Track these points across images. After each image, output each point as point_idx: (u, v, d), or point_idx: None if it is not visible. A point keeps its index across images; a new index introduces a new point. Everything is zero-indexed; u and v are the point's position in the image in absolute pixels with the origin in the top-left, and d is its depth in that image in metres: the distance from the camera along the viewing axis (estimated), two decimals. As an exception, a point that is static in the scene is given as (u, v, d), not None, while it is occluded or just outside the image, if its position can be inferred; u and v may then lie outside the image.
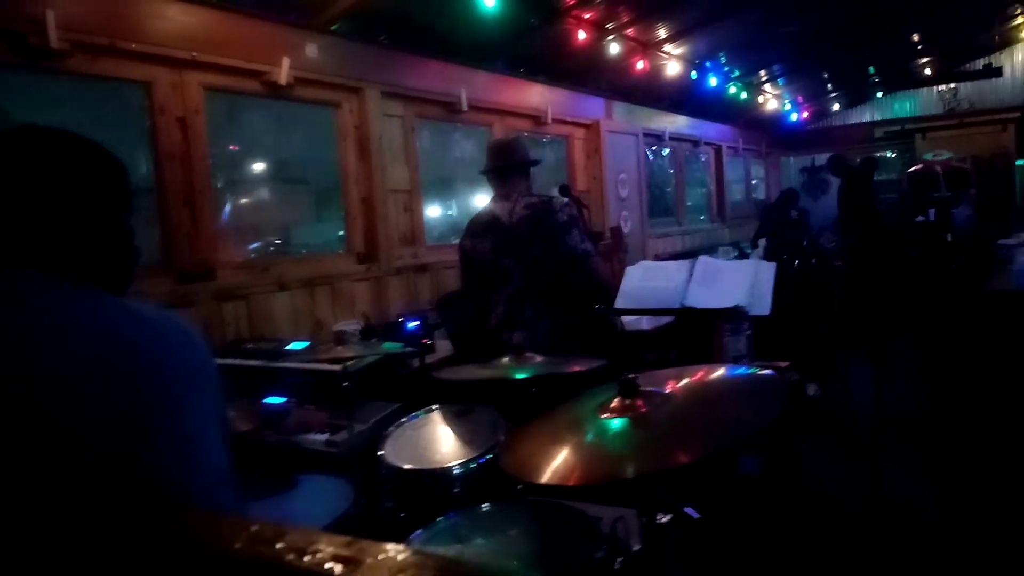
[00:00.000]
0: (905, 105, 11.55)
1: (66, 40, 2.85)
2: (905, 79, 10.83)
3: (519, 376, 2.07)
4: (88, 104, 3.22)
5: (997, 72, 10.30)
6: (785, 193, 8.97)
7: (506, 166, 2.99)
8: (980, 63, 10.44)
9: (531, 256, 2.81)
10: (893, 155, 11.52)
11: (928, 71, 10.51)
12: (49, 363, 0.87)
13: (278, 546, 0.48)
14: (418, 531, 1.61)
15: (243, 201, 4.02)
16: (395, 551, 0.46)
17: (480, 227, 2.97)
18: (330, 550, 0.46)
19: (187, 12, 3.32)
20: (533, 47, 5.52)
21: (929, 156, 9.74)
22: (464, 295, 3.08)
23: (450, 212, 5.55)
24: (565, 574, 1.40)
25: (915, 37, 8.91)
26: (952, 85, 10.99)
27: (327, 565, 0.45)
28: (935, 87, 11.10)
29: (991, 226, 7.19)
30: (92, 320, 0.93)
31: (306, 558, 0.47)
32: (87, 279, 0.99)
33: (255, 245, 4.00)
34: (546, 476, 1.31)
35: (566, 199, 3.26)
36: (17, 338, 0.88)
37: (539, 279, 2.81)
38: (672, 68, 6.89)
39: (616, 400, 1.45)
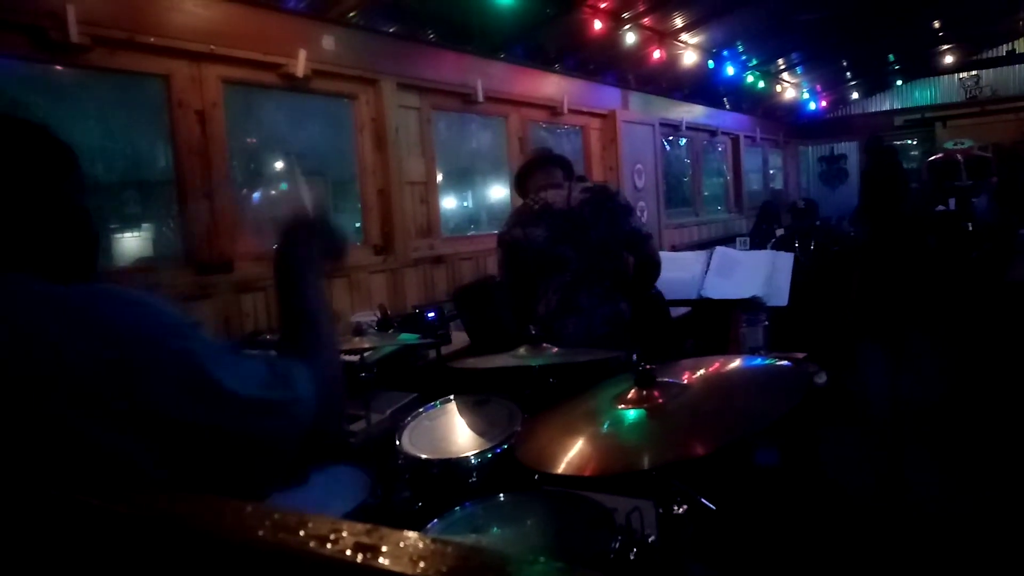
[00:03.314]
0: (925, 93, 11.39)
1: (86, 34, 2.88)
2: (925, 67, 10.68)
3: (535, 364, 2.08)
4: (108, 98, 3.25)
5: (1021, 58, 10.12)
6: (765, 205, 8.90)
7: (543, 159, 2.99)
8: (1003, 49, 10.27)
9: (594, 239, 2.75)
10: (914, 142, 11.38)
11: (949, 58, 10.35)
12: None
13: (300, 534, 0.50)
14: (435, 520, 1.62)
15: (260, 193, 4.05)
16: (415, 539, 0.47)
17: (531, 215, 2.87)
18: (351, 538, 0.47)
19: (204, 5, 3.34)
20: (549, 37, 5.50)
21: (950, 145, 9.61)
22: (508, 287, 2.97)
23: (466, 204, 5.56)
24: (581, 564, 1.41)
25: (936, 24, 8.77)
26: (974, 72, 10.82)
27: (348, 553, 0.46)
28: (956, 74, 10.93)
29: (1013, 216, 7.09)
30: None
31: (327, 545, 0.49)
32: (33, 266, 0.93)
33: (272, 237, 4.03)
34: (562, 466, 1.32)
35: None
36: None
37: (599, 264, 2.76)
38: (689, 57, 6.83)
39: (632, 391, 1.45)
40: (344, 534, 0.48)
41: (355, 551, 0.46)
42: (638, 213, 2.85)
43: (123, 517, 0.58)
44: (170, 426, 0.83)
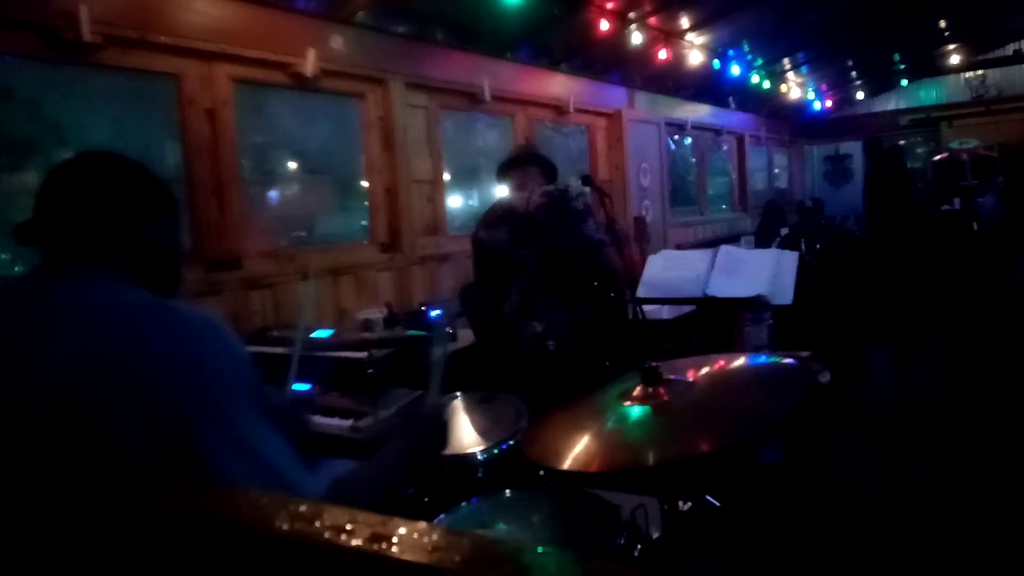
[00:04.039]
0: (931, 92, 11.34)
1: (98, 34, 2.90)
2: (931, 66, 10.64)
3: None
4: (120, 97, 3.27)
5: (1027, 58, 10.08)
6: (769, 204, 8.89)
7: (521, 157, 3.05)
8: (1010, 49, 10.22)
9: (548, 243, 2.81)
10: (920, 140, 11.34)
11: (955, 58, 10.31)
12: (72, 349, 0.94)
13: (317, 524, 0.51)
14: (441, 516, 1.64)
15: (269, 191, 4.08)
16: (430, 530, 0.49)
17: (495, 217, 2.97)
18: (367, 529, 0.49)
19: (215, 5, 3.36)
20: (556, 37, 5.51)
21: (955, 144, 9.58)
22: (478, 286, 3.08)
23: (471, 202, 5.57)
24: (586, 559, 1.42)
25: (942, 23, 8.74)
26: (980, 72, 10.77)
27: (365, 543, 0.47)
28: (962, 74, 10.88)
29: (1018, 215, 7.07)
30: (116, 310, 1.00)
31: (343, 536, 0.50)
32: (132, 280, 1.09)
33: (280, 235, 4.06)
34: (568, 463, 1.33)
35: (585, 189, 3.26)
36: (57, 322, 0.97)
37: (554, 268, 2.81)
38: (695, 57, 6.83)
39: (638, 388, 1.47)
40: (360, 525, 0.50)
41: (371, 541, 0.48)
42: (593, 220, 2.86)
43: (144, 509, 0.60)
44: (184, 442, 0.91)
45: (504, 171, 3.12)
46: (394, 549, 0.49)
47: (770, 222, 8.04)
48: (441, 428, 1.55)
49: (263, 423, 1.02)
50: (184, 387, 0.93)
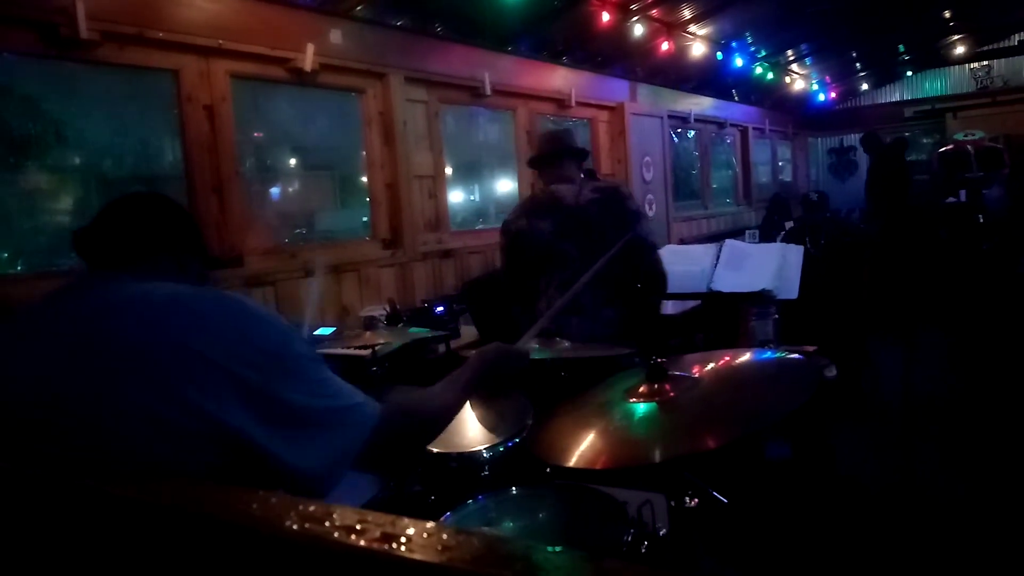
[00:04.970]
0: (936, 84, 11.31)
1: (96, 30, 2.89)
2: (936, 57, 10.59)
3: (546, 358, 2.09)
4: (118, 93, 3.26)
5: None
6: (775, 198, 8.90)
7: (559, 151, 2.88)
8: (1015, 39, 10.17)
9: (596, 240, 2.68)
10: (925, 132, 11.30)
11: (960, 48, 10.27)
12: (129, 335, 1.03)
13: (327, 524, 0.50)
14: (447, 514, 1.63)
15: (269, 188, 4.07)
16: (440, 529, 0.48)
17: (539, 207, 2.82)
18: (377, 529, 0.48)
19: (213, 0, 3.35)
20: (557, 30, 5.49)
21: (960, 136, 9.53)
22: (505, 277, 2.92)
23: (473, 198, 5.56)
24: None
25: (946, 14, 8.70)
26: (985, 62, 10.73)
27: (376, 543, 0.46)
28: (967, 65, 10.84)
29: (1024, 207, 7.04)
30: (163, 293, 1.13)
31: (353, 536, 0.49)
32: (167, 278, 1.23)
33: (282, 232, 4.05)
34: (574, 460, 1.32)
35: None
36: (110, 313, 1.08)
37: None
38: (697, 49, 6.81)
39: (644, 384, 1.46)
40: (371, 525, 0.49)
41: (382, 541, 0.47)
42: (648, 219, 2.77)
43: (154, 508, 0.59)
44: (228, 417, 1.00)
45: (538, 163, 2.98)
46: (404, 549, 0.47)
47: (775, 215, 8.02)
48: (515, 371, 1.65)
49: (317, 359, 1.14)
50: (240, 347, 1.04)
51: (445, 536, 0.47)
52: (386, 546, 0.46)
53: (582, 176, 2.89)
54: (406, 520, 0.51)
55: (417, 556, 0.46)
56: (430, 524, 0.49)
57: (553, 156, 2.88)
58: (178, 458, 0.96)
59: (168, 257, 1.30)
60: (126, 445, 0.96)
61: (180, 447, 0.97)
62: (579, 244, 2.71)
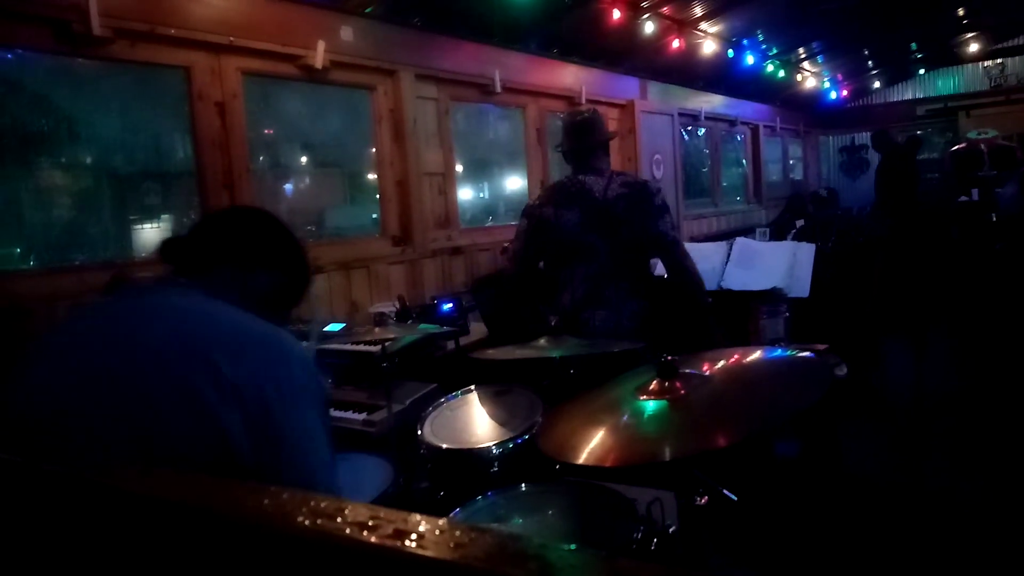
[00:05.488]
0: (949, 82, 11.21)
1: (108, 27, 2.91)
2: (949, 55, 10.50)
3: (556, 355, 2.09)
4: (129, 90, 3.27)
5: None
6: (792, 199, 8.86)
7: (589, 147, 2.84)
8: (1030, 37, 10.09)
9: (624, 235, 2.68)
10: (937, 131, 11.21)
11: (974, 46, 10.17)
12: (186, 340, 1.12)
13: (339, 520, 0.50)
14: (457, 510, 1.63)
15: (279, 185, 4.08)
16: (453, 526, 0.47)
17: (566, 196, 2.76)
18: (390, 525, 0.48)
19: (225, -3, 3.36)
20: (567, 27, 5.47)
21: (973, 134, 9.45)
22: (519, 261, 2.85)
23: (482, 195, 5.56)
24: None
25: (960, 11, 8.62)
26: (999, 60, 10.63)
27: (389, 539, 0.46)
28: (980, 63, 10.74)
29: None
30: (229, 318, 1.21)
31: (365, 532, 0.49)
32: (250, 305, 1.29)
33: (292, 228, 4.05)
34: (583, 457, 1.32)
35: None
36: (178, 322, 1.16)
37: (625, 258, 2.70)
38: (708, 46, 6.77)
39: (655, 382, 1.45)
40: (382, 521, 0.48)
41: (394, 538, 0.47)
42: (670, 217, 2.75)
43: (163, 504, 0.59)
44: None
45: (566, 155, 2.93)
46: (416, 546, 0.47)
47: (787, 214, 7.98)
48: None
49: (324, 422, 1.20)
50: (267, 377, 1.11)
51: (458, 533, 0.47)
52: (398, 543, 0.46)
53: (611, 170, 2.84)
54: (418, 516, 0.51)
55: (429, 553, 0.45)
56: (442, 521, 0.49)
57: (585, 151, 2.83)
58: (178, 454, 1.03)
59: (239, 272, 1.33)
60: (142, 439, 1.04)
61: (185, 445, 1.04)
62: (604, 238, 2.68)
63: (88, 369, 1.10)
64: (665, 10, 5.88)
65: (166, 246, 1.33)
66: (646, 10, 5.69)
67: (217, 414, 1.04)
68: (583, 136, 2.84)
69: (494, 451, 1.92)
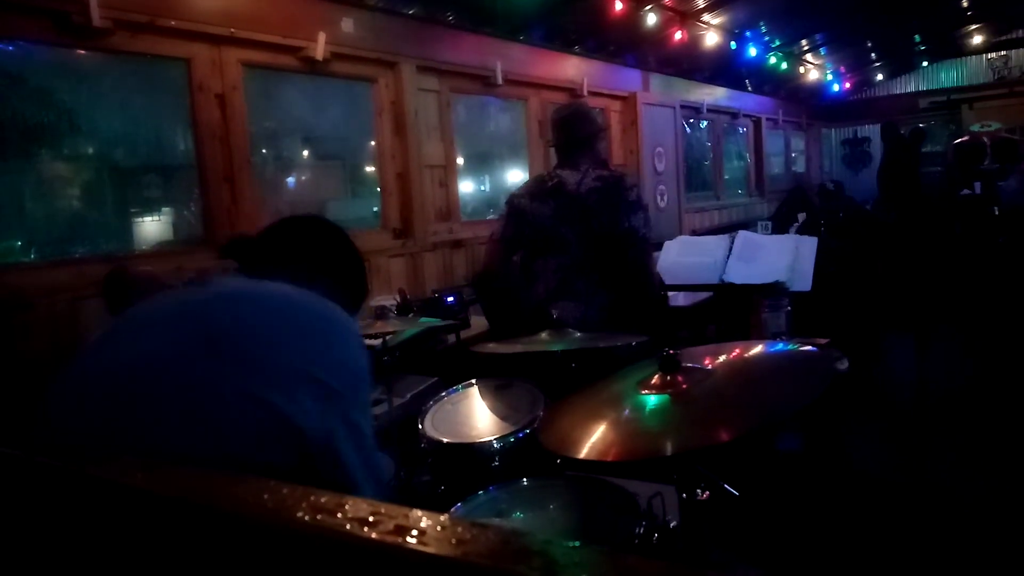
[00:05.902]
0: (952, 74, 11.15)
1: (108, 18, 2.89)
2: (952, 47, 10.45)
3: (556, 349, 2.08)
4: (130, 82, 3.26)
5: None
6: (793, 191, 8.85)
7: (570, 142, 2.87)
8: (1034, 29, 10.04)
9: (593, 229, 2.71)
10: (940, 123, 11.17)
11: (977, 38, 10.12)
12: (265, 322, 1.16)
13: (339, 516, 0.50)
14: (458, 505, 1.63)
15: (280, 177, 4.07)
16: (455, 522, 0.47)
17: (542, 189, 2.83)
18: (391, 521, 0.47)
19: (225, -12, 3.34)
20: (569, 19, 5.44)
21: (976, 127, 9.42)
22: (502, 241, 2.91)
23: (484, 188, 5.55)
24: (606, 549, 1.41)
25: (964, 3, 8.58)
26: (1003, 52, 10.57)
27: (390, 535, 0.46)
28: (984, 55, 10.69)
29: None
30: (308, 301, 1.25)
31: (366, 528, 0.49)
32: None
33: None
34: (585, 451, 1.31)
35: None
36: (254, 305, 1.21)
37: (596, 252, 2.73)
38: (711, 38, 6.74)
39: (656, 376, 1.45)
40: (384, 518, 0.48)
41: (395, 534, 0.46)
42: (644, 214, 2.76)
43: (164, 500, 0.59)
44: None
45: (554, 148, 2.97)
46: (418, 542, 0.47)
47: (785, 207, 7.96)
48: None
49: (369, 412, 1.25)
50: (332, 363, 1.15)
51: (460, 529, 0.47)
52: (399, 539, 0.46)
53: (588, 164, 2.86)
54: (420, 512, 0.50)
55: (431, 550, 0.45)
56: (444, 517, 0.49)
57: (567, 145, 2.88)
58: (244, 451, 1.03)
59: (303, 278, 1.34)
60: (197, 430, 1.03)
61: (246, 438, 1.03)
62: (576, 231, 2.73)
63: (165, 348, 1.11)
64: (667, 1, 5.85)
65: (233, 244, 1.38)
66: (648, 1, 5.66)
67: (288, 414, 1.05)
68: (565, 131, 2.90)
69: (495, 445, 1.92)
